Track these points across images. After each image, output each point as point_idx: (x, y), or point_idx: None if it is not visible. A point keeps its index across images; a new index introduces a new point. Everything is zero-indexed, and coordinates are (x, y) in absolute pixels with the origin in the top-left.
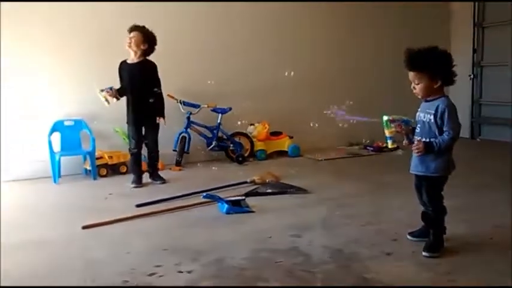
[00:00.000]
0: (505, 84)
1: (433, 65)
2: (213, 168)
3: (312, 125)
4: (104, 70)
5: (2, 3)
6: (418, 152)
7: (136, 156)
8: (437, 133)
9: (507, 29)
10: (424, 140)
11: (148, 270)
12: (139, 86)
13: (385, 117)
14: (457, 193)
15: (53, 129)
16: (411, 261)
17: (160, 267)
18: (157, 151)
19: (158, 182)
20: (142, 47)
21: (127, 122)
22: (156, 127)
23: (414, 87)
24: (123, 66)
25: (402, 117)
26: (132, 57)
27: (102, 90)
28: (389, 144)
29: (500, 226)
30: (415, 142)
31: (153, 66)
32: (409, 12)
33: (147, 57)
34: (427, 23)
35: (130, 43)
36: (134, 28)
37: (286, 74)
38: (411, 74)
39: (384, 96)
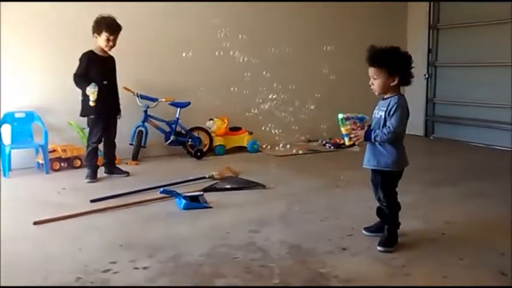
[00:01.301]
0: (458, 84)
1: (393, 63)
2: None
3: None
4: (58, 60)
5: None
6: (356, 139)
7: (96, 150)
8: None
9: (460, 31)
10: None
11: (103, 266)
12: (112, 79)
13: (340, 115)
14: (411, 189)
15: (3, 121)
16: (366, 256)
17: (115, 264)
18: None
19: (124, 175)
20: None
21: (90, 114)
22: (116, 120)
23: (372, 83)
24: (93, 58)
25: (357, 115)
26: (100, 50)
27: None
28: (347, 142)
29: (451, 222)
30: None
31: (114, 61)
32: (367, 12)
33: None
34: (385, 23)
35: (112, 46)
36: (118, 29)
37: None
38: (371, 70)
39: (343, 92)
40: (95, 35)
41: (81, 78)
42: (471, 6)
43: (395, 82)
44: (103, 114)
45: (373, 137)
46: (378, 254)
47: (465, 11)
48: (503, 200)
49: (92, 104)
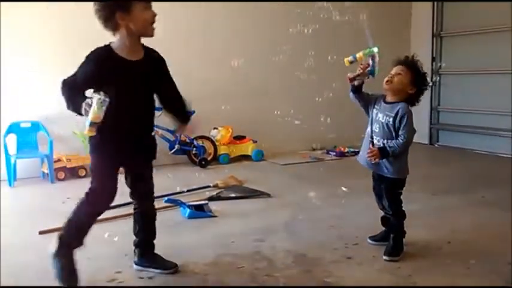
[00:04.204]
0: (462, 92)
1: (419, 72)
2: (168, 175)
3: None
4: (64, 69)
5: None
6: (374, 159)
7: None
8: (394, 135)
9: (464, 38)
10: (378, 143)
11: (108, 276)
12: (147, 96)
13: (375, 49)
14: (416, 198)
15: (8, 131)
16: (372, 265)
17: (120, 274)
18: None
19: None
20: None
21: (93, 152)
22: (150, 171)
23: (392, 77)
24: (113, 62)
25: (374, 65)
26: (125, 48)
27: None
28: (347, 61)
29: (457, 230)
30: (370, 149)
31: (161, 58)
32: (371, 21)
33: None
34: (388, 31)
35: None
36: None
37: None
38: (398, 67)
39: (346, 103)
40: (119, 14)
41: (74, 90)
42: (474, 13)
43: (412, 92)
44: (119, 157)
45: (390, 151)
46: (384, 263)
47: (468, 19)
48: (509, 208)
49: (88, 132)
